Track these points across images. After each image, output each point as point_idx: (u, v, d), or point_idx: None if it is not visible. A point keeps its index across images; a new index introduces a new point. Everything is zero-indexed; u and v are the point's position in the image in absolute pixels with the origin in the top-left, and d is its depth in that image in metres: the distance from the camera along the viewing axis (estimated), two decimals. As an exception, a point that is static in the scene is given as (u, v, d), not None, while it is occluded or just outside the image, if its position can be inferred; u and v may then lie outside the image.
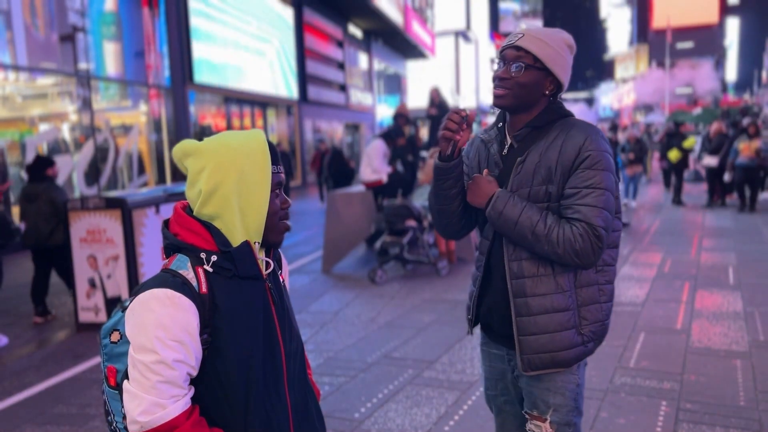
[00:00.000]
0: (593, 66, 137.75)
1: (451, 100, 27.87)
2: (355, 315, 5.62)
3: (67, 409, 3.92)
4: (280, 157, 1.40)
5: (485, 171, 1.88)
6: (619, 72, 72.40)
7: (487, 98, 57.96)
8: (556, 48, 1.76)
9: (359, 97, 28.61)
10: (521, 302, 1.80)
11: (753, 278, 6.33)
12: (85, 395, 4.11)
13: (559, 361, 1.81)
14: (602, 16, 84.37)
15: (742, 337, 4.61)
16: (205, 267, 1.31)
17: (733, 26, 64.82)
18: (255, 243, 1.36)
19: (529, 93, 1.78)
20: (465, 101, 46.47)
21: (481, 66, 55.08)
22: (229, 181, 1.31)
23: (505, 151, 1.87)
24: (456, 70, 45.34)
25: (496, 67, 1.85)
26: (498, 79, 1.80)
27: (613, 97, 59.82)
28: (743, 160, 10.78)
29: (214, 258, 1.31)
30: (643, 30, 62.93)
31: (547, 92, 1.80)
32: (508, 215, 1.77)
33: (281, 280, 1.48)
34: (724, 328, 4.84)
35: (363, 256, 8.31)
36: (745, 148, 10.77)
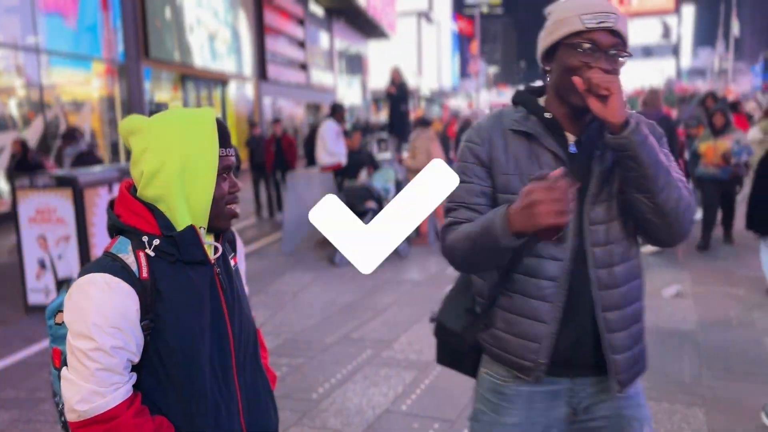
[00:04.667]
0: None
1: (412, 81, 27.77)
2: (315, 296, 5.61)
3: (15, 393, 3.82)
4: (230, 138, 1.34)
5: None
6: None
7: (448, 80, 58.09)
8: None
9: (320, 76, 28.32)
10: (615, 315, 1.49)
11: (698, 259, 6.54)
12: (34, 379, 4.01)
13: (644, 363, 1.59)
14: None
15: (690, 316, 4.78)
16: (147, 251, 1.26)
17: (688, 14, 66.47)
18: (201, 228, 1.30)
19: None
20: (426, 82, 46.50)
21: (443, 47, 55.05)
22: (172, 164, 1.25)
23: (573, 148, 1.48)
24: (418, 50, 45.29)
25: (586, 49, 1.38)
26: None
27: None
28: (709, 170, 6.79)
29: (156, 242, 1.26)
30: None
31: None
32: (652, 143, 1.38)
33: (233, 264, 1.43)
34: (672, 306, 5.00)
35: (323, 238, 8.26)
36: (709, 151, 6.77)
